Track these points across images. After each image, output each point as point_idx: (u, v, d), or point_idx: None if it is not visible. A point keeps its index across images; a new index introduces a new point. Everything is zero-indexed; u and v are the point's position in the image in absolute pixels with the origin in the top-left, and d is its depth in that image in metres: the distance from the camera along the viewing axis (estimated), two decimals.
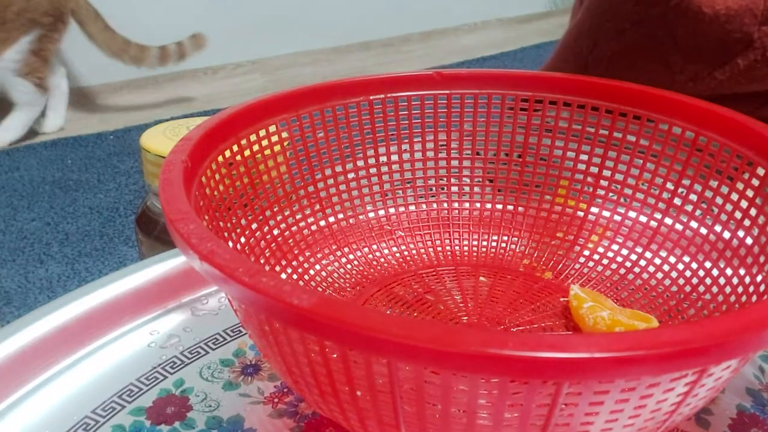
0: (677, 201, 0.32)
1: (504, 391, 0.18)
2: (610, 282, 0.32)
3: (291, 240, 0.32)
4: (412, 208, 0.36)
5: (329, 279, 0.32)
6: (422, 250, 0.35)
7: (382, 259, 0.34)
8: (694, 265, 0.30)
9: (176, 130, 0.47)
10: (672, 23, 0.48)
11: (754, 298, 0.27)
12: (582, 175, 0.34)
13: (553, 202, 0.35)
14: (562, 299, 0.32)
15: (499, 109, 0.35)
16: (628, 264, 0.33)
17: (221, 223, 0.27)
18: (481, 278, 0.33)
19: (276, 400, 0.28)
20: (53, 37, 1.48)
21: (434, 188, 0.36)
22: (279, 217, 0.32)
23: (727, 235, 0.29)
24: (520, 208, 0.36)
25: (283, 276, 0.31)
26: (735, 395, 0.28)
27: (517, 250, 0.35)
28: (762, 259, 0.27)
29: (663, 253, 0.32)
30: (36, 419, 0.27)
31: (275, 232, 0.31)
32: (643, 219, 0.33)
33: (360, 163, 0.35)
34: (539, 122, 0.34)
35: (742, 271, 0.28)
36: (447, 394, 0.18)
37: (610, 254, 0.33)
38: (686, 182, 0.31)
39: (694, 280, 0.30)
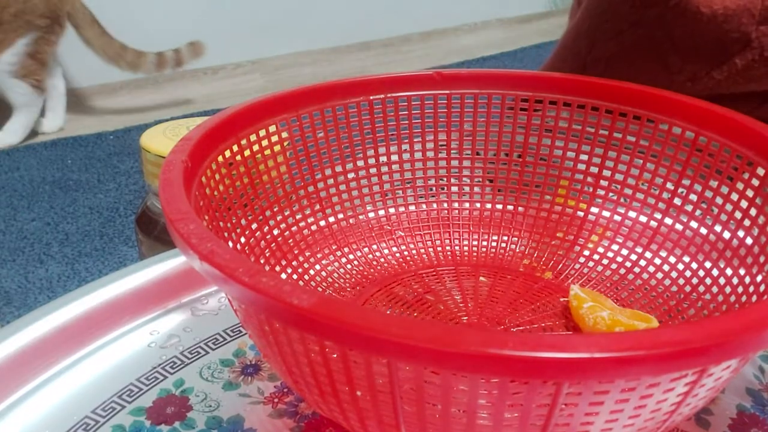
0: (677, 201, 0.32)
1: (504, 391, 0.18)
2: (610, 282, 0.32)
3: (291, 240, 0.32)
4: (412, 208, 0.36)
5: (329, 279, 0.32)
6: (422, 250, 0.35)
7: (382, 259, 0.34)
8: (694, 265, 0.30)
9: (176, 130, 0.47)
10: (670, 23, 0.48)
11: (754, 298, 0.27)
12: (582, 175, 0.34)
13: (553, 202, 0.35)
14: (562, 299, 0.32)
15: (499, 109, 0.35)
16: (628, 264, 0.33)
17: (221, 223, 0.27)
18: (481, 278, 0.33)
19: (276, 400, 0.28)
20: (50, 39, 1.48)
21: (434, 188, 0.36)
22: (279, 217, 0.32)
23: (727, 235, 0.29)
24: (520, 208, 0.36)
25: (283, 276, 0.31)
26: (735, 395, 0.28)
27: (517, 250, 0.35)
28: (762, 259, 0.27)
29: (663, 253, 0.32)
30: (36, 419, 0.27)
31: (275, 232, 0.31)
32: (643, 219, 0.33)
33: (360, 163, 0.35)
34: (539, 122, 0.34)
35: (742, 271, 0.28)
36: (447, 394, 0.18)
37: (610, 254, 0.33)
38: (686, 182, 0.31)
39: (694, 280, 0.30)
